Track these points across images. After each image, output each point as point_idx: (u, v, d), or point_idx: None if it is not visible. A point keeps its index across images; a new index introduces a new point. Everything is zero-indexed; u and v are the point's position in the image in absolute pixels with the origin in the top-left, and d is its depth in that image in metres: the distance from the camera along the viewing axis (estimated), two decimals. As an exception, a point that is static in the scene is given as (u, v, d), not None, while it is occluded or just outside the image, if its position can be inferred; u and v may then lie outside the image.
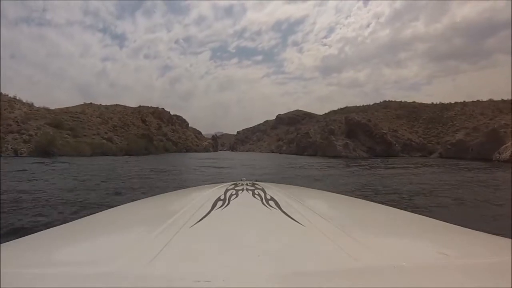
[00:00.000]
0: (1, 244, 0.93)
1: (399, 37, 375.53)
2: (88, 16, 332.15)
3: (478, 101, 79.61)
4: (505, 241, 0.92)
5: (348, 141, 57.51)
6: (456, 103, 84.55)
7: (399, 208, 1.47)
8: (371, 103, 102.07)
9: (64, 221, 1.41)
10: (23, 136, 37.25)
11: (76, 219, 1.35)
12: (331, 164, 28.22)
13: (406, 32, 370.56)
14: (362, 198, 2.04)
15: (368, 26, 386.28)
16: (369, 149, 58.86)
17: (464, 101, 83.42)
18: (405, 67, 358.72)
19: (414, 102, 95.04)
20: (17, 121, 40.75)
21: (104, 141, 46.94)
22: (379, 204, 1.64)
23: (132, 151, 44.22)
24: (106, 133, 51.55)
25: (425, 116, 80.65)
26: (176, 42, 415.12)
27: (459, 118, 73.66)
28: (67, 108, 60.23)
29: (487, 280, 0.64)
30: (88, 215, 1.44)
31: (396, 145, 61.60)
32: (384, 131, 63.07)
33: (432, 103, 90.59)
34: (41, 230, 1.12)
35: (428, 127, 75.11)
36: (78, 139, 42.94)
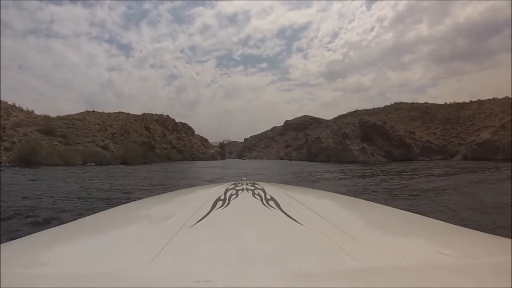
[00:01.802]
0: (1, 244, 0.92)
1: (402, 40, 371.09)
2: (94, 27, 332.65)
3: (494, 98, 74.41)
4: (505, 241, 0.90)
5: (365, 145, 52.06)
6: (471, 102, 79.36)
7: (399, 208, 1.43)
8: (382, 106, 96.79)
9: (64, 221, 1.38)
10: (5, 143, 32.47)
11: (76, 219, 1.34)
12: (357, 172, 23.03)
13: (409, 34, 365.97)
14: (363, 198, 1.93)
15: (372, 30, 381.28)
16: (387, 153, 53.45)
17: (479, 99, 78.26)
18: (410, 70, 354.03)
19: (426, 103, 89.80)
20: (4, 128, 36.17)
21: (99, 149, 41.90)
22: (379, 204, 1.58)
23: (129, 160, 39.20)
24: (102, 140, 46.57)
25: (441, 116, 75.38)
26: (182, 51, 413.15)
27: (478, 117, 68.31)
28: (68, 115, 55.74)
29: (487, 280, 0.63)
30: (88, 215, 1.41)
31: (415, 148, 56.06)
32: (402, 134, 57.60)
33: (445, 103, 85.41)
34: (41, 230, 1.11)
35: (446, 128, 69.59)
36: (70, 147, 38.06)
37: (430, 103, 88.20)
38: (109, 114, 69.64)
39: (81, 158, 34.91)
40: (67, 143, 39.03)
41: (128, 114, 74.63)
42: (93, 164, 34.42)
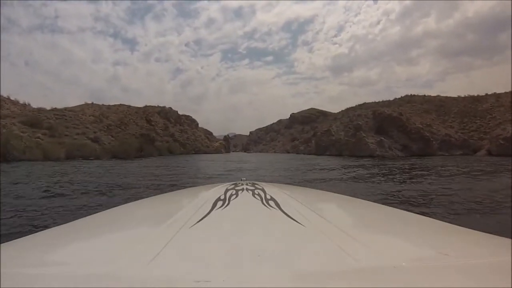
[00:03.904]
0: (1, 244, 0.91)
1: (410, 34, 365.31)
2: (99, 22, 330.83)
3: (511, 92, 68.68)
4: (505, 241, 0.89)
5: (383, 138, 46.75)
6: (487, 95, 74.06)
7: (399, 208, 1.42)
8: (391, 99, 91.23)
9: (64, 221, 1.32)
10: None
11: (76, 219, 1.30)
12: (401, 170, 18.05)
13: (417, 28, 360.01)
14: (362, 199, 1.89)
15: (378, 23, 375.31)
16: (404, 147, 48.14)
17: (495, 92, 72.90)
18: (417, 64, 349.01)
19: (438, 95, 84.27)
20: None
21: (88, 141, 36.97)
22: (379, 204, 1.58)
23: (123, 153, 34.42)
24: (94, 132, 41.48)
25: (456, 110, 69.90)
26: (187, 45, 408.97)
27: (497, 110, 62.67)
28: (65, 108, 50.95)
29: (487, 280, 0.62)
30: (88, 215, 1.38)
31: (434, 142, 50.72)
32: (420, 126, 52.25)
33: (459, 96, 79.91)
34: (41, 230, 1.10)
35: (464, 121, 64.11)
36: (55, 139, 33.23)
37: (443, 96, 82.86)
38: (108, 107, 65.49)
39: (66, 152, 30.17)
40: (52, 135, 34.24)
41: (129, 106, 70.58)
42: (80, 159, 29.70)
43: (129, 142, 40.41)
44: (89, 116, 48.80)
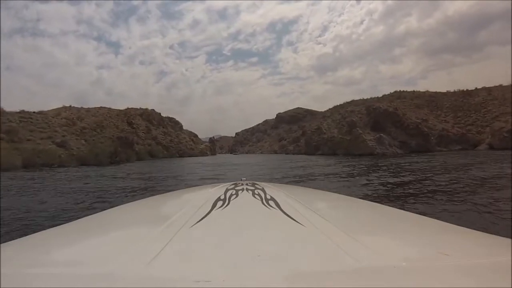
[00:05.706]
0: (1, 244, 0.90)
1: (393, 33, 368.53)
2: (81, 25, 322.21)
3: (500, 85, 67.99)
4: (505, 241, 0.88)
5: (382, 135, 42.97)
6: (476, 89, 72.93)
7: (399, 208, 1.40)
8: (380, 95, 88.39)
9: (64, 221, 1.33)
10: None
11: (77, 219, 1.30)
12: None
13: (399, 28, 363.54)
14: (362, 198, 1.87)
15: (361, 23, 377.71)
16: (402, 144, 44.63)
17: (484, 86, 72.24)
18: (400, 63, 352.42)
19: (427, 91, 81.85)
20: None
21: (53, 146, 31.91)
22: (379, 204, 1.55)
23: (94, 159, 29.64)
24: (63, 136, 36.39)
25: (448, 104, 67.51)
26: (171, 47, 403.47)
27: (491, 104, 60.52)
28: (41, 111, 45.46)
29: (487, 280, 0.62)
30: (88, 215, 1.37)
31: (432, 138, 47.38)
32: (418, 121, 48.82)
33: (448, 91, 78.07)
34: (41, 230, 1.09)
35: (458, 115, 61.42)
36: (15, 145, 28.18)
37: (432, 91, 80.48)
38: (88, 109, 60.30)
39: (25, 159, 25.23)
40: (11, 140, 29.15)
41: (110, 109, 65.51)
42: (50, 166, 24.89)
43: (101, 147, 35.44)
44: (61, 118, 43.52)
